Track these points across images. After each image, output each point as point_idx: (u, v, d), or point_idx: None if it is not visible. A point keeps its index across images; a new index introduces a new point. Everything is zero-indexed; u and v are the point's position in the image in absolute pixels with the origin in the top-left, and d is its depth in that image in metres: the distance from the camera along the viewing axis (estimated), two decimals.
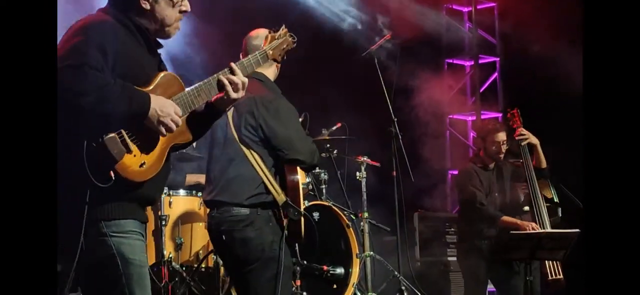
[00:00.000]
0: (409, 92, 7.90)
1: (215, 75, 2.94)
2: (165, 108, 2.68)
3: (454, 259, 6.85)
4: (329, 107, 7.28)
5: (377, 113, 6.74)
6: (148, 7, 2.85)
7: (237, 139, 3.80)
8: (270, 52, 3.21)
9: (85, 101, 2.53)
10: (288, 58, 3.80)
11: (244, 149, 3.72)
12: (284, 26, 3.39)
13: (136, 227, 2.77)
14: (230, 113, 3.71)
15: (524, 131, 6.16)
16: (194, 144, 5.65)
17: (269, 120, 3.72)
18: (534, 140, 6.18)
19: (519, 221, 5.97)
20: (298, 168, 4.09)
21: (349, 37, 7.58)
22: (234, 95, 2.91)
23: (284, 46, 3.29)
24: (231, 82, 2.87)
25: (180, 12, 2.96)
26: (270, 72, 3.94)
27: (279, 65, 3.94)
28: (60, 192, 2.58)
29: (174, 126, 2.69)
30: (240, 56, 3.96)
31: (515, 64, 8.41)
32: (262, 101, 3.75)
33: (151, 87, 2.71)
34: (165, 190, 5.41)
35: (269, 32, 3.41)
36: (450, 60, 8.93)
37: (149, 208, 5.46)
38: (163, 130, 2.67)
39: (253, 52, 3.33)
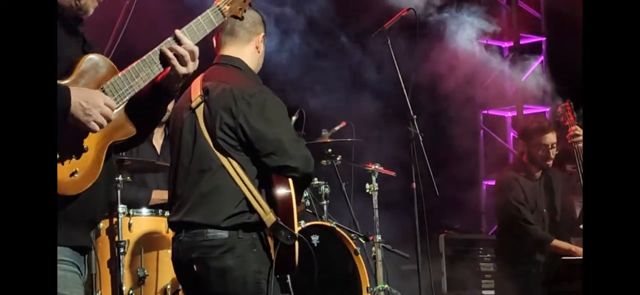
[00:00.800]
0: (433, 83, 7.97)
1: (156, 48, 2.93)
2: (91, 99, 2.71)
3: (492, 292, 7.09)
4: (330, 102, 7.42)
5: (392, 109, 7.03)
6: None
7: (210, 143, 3.77)
8: (227, 7, 3.22)
9: None
10: (278, 42, 3.84)
11: (220, 155, 3.70)
12: None
13: (67, 256, 2.76)
14: (200, 110, 3.73)
15: (579, 130, 6.11)
16: (158, 150, 5.74)
17: (251, 118, 3.69)
18: None
19: (573, 246, 6.03)
20: (290, 179, 4.01)
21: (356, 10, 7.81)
22: (182, 69, 2.93)
23: None
24: (177, 54, 2.88)
25: None
26: (250, 56, 3.95)
27: (262, 51, 3.96)
28: None
29: (104, 120, 2.70)
30: None
31: (567, 46, 8.17)
32: (242, 94, 3.73)
33: (72, 77, 2.75)
34: (124, 209, 5.48)
35: None
36: (485, 41, 8.90)
37: (101, 230, 5.50)
38: (93, 126, 2.69)
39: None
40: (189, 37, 3.05)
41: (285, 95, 4.93)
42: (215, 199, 3.85)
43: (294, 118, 6.37)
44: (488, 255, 7.50)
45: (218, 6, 3.20)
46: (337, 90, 7.84)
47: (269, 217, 3.69)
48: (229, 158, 3.73)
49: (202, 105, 3.72)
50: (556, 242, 6.15)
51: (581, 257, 5.64)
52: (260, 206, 3.75)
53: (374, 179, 6.60)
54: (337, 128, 6.69)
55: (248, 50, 3.92)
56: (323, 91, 7.68)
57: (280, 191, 3.79)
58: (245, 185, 3.70)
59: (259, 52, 3.95)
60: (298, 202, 5.64)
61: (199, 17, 3.15)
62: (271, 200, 3.77)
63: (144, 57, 2.99)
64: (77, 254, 2.85)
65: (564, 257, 5.45)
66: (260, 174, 3.82)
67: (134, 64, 2.95)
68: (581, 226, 6.14)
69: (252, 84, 3.86)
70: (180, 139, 4.00)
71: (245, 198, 3.79)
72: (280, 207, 3.76)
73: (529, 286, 6.13)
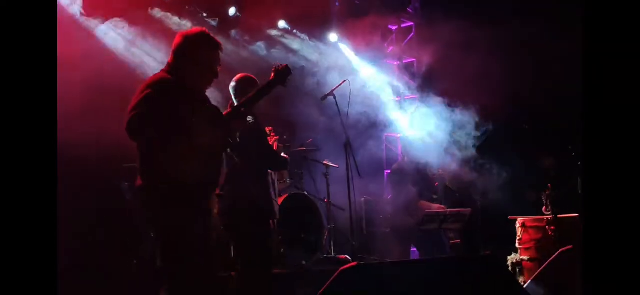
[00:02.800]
0: (356, 117, 7.90)
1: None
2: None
3: (388, 230, 7.29)
4: (300, 126, 7.53)
5: (335, 132, 7.09)
6: None
7: None
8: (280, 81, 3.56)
9: None
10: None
11: None
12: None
13: None
14: None
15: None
16: None
17: None
18: None
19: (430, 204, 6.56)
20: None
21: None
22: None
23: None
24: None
25: None
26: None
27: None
28: None
29: None
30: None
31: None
32: None
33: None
34: None
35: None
36: (388, 98, 8.82)
37: None
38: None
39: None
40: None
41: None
42: None
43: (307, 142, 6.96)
44: (387, 209, 7.45)
45: (274, 81, 3.52)
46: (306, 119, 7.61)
47: None
48: None
49: None
50: (422, 203, 6.63)
51: (435, 210, 6.11)
52: None
53: (327, 169, 7.11)
54: (307, 142, 7.22)
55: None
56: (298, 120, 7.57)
57: None
58: None
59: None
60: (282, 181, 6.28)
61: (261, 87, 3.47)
62: None
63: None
64: None
65: (426, 212, 6.33)
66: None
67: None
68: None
69: None
70: None
71: None
72: None
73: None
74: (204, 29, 3.45)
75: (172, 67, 3.39)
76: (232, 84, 4.40)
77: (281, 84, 3.57)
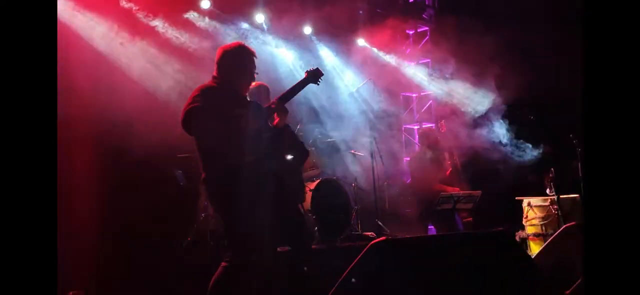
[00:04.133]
0: (381, 113, 8.15)
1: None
2: None
3: (408, 210, 7.23)
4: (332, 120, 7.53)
5: (362, 127, 7.34)
6: None
7: None
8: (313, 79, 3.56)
9: None
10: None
11: None
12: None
13: None
14: None
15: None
16: None
17: None
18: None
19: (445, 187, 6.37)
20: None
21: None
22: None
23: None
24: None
25: None
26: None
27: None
28: None
29: None
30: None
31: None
32: None
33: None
34: None
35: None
36: (404, 94, 9.14)
37: None
38: None
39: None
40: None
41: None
42: None
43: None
44: (408, 192, 7.30)
45: (307, 79, 3.50)
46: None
47: None
48: None
49: None
50: (437, 185, 6.47)
51: (449, 192, 6.03)
52: None
53: (355, 158, 7.19)
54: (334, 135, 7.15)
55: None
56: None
57: None
58: None
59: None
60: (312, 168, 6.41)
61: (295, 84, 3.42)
62: None
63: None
64: None
65: (442, 193, 6.23)
66: None
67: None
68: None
69: None
70: None
71: None
72: None
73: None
74: (241, 42, 3.50)
75: (217, 77, 3.43)
76: (251, 87, 4.27)
77: (313, 82, 3.57)
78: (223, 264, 3.24)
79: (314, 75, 3.57)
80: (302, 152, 4.41)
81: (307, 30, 7.63)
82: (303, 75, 3.67)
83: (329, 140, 7.04)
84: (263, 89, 4.17)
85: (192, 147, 3.39)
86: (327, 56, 7.78)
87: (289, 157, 4.35)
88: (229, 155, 3.15)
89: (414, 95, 9.26)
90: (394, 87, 8.54)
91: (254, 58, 3.46)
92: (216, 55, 3.45)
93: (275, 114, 3.40)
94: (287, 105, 3.51)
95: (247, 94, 3.52)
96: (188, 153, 5.23)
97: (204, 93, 3.21)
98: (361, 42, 8.16)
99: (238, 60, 3.41)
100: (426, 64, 9.18)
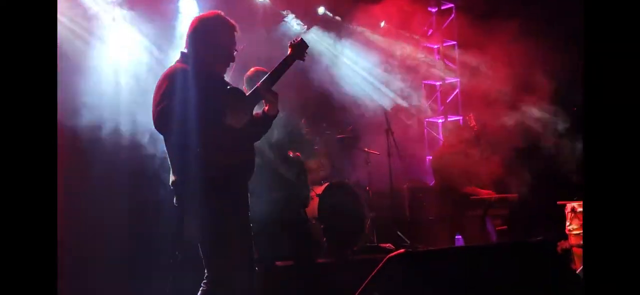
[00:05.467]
0: (396, 103, 8.20)
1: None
2: None
3: (432, 218, 7.29)
4: (341, 118, 7.53)
5: (377, 119, 7.35)
6: None
7: None
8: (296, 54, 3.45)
9: None
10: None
11: None
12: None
13: None
14: None
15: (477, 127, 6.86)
16: None
17: None
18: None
19: (478, 189, 6.47)
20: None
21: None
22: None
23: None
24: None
25: None
26: None
27: None
28: None
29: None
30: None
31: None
32: None
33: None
34: None
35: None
36: (426, 82, 9.15)
37: None
38: None
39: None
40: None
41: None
42: None
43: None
44: (430, 196, 7.46)
45: (292, 55, 3.36)
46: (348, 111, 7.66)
47: None
48: None
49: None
50: (466, 188, 6.58)
51: (480, 196, 6.14)
52: None
53: (368, 156, 7.17)
54: (348, 129, 7.21)
55: None
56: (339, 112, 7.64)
57: None
58: None
59: None
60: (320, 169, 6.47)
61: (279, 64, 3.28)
62: None
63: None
64: None
65: (472, 196, 6.38)
66: None
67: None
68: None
69: None
70: None
71: None
72: None
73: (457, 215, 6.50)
74: (218, 11, 3.39)
75: (188, 56, 3.33)
76: (248, 74, 4.33)
77: (299, 58, 3.41)
78: (202, 287, 3.22)
79: (299, 49, 3.43)
80: (304, 149, 4.52)
81: (321, 9, 7.76)
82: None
83: (338, 136, 7.08)
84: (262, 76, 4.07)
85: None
86: (335, 38, 7.85)
87: (291, 154, 4.38)
88: (208, 158, 3.09)
89: (438, 83, 9.26)
90: (414, 74, 8.55)
91: (235, 33, 3.36)
92: (189, 27, 3.35)
93: (263, 102, 3.35)
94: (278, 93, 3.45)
95: (225, 76, 3.42)
96: None
97: (173, 80, 3.12)
98: (377, 22, 8.23)
99: (213, 36, 3.29)
100: (452, 48, 9.20)
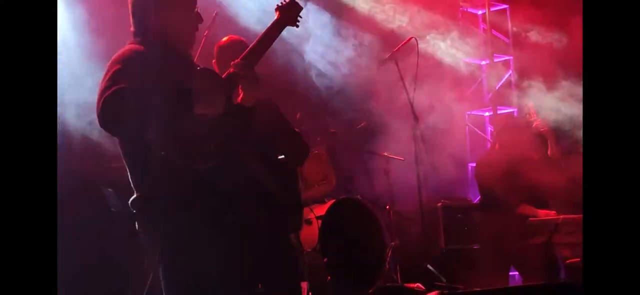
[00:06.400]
0: (428, 92, 7.92)
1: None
2: None
3: (477, 247, 7.23)
4: (350, 106, 7.61)
5: (398, 112, 7.07)
6: None
7: None
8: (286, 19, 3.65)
9: None
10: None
11: None
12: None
13: None
14: None
15: (541, 122, 6.59)
16: None
17: None
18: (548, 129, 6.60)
19: (535, 210, 6.27)
20: None
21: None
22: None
23: None
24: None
25: None
26: None
27: None
28: None
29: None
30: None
31: (529, 62, 8.51)
32: None
33: None
34: None
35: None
36: (466, 60, 9.05)
37: None
38: None
39: None
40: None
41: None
42: None
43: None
44: (473, 217, 7.40)
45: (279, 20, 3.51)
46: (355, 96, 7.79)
47: None
48: None
49: None
50: (523, 207, 6.29)
51: (542, 218, 6.13)
52: None
53: (388, 163, 7.03)
54: (358, 127, 7.13)
55: None
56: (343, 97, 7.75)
57: None
58: None
59: None
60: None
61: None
62: None
63: None
64: None
65: (531, 218, 6.07)
66: None
67: None
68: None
69: None
70: None
71: None
72: None
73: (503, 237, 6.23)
74: None
75: (137, 34, 3.42)
76: (221, 45, 4.37)
77: (290, 24, 3.52)
78: None
79: (289, 12, 3.53)
80: (297, 151, 4.38)
81: None
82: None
83: (347, 135, 7.12)
84: (238, 47, 4.08)
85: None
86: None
87: (280, 157, 4.36)
88: (171, 161, 3.11)
89: (483, 62, 9.24)
90: (449, 51, 8.53)
91: None
92: None
93: (240, 86, 3.37)
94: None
95: (191, 53, 3.52)
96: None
97: (126, 64, 3.19)
98: None
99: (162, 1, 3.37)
100: (503, 13, 9.29)
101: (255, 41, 3.42)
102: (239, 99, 3.40)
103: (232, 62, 3.40)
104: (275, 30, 3.44)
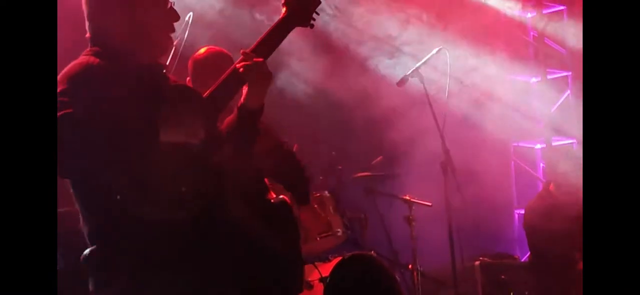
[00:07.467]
0: (462, 117, 8.18)
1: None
2: None
3: None
4: (360, 137, 7.81)
5: (424, 143, 7.12)
6: None
7: None
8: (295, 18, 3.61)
9: None
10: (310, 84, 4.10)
11: None
12: None
13: None
14: None
15: None
16: None
17: None
18: None
19: None
20: None
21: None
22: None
23: None
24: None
25: None
26: None
27: None
28: None
29: None
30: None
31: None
32: None
33: None
34: None
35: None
36: (513, 76, 9.16)
37: None
38: None
39: None
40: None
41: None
42: None
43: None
44: (521, 280, 7.38)
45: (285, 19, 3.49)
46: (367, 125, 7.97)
47: None
48: None
49: None
50: None
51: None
52: None
53: (411, 209, 6.79)
54: (373, 162, 6.98)
55: None
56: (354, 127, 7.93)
57: None
58: None
59: None
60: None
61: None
62: None
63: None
64: None
65: None
66: None
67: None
68: None
69: None
70: None
71: None
72: None
73: None
74: None
75: (94, 41, 3.38)
76: (196, 58, 4.40)
77: (302, 24, 3.51)
78: None
79: (301, 7, 3.52)
80: (302, 185, 4.57)
81: None
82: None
83: (360, 174, 6.99)
84: (219, 60, 4.24)
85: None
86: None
87: (281, 196, 4.27)
88: (139, 206, 3.09)
89: (533, 79, 9.41)
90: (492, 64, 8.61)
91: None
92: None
93: (247, 82, 3.40)
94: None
95: (163, 62, 3.53)
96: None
97: (76, 83, 3.15)
98: None
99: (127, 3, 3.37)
100: (559, 16, 9.40)
101: (259, 39, 3.42)
102: (242, 99, 3.43)
103: (242, 51, 3.43)
104: (282, 30, 3.46)
